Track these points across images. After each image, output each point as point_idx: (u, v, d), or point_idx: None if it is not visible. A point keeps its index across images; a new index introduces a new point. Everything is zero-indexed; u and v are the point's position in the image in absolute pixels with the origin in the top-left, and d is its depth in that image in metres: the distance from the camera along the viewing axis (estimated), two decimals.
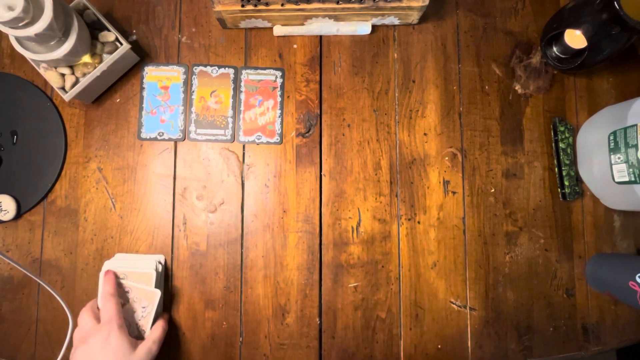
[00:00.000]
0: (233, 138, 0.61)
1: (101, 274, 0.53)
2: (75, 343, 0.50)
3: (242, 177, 0.61)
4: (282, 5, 0.56)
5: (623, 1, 0.47)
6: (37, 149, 0.59)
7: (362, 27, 0.61)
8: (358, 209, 0.60)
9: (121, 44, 0.56)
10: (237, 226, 0.60)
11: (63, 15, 0.49)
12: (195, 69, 0.62)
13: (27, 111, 0.59)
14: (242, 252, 0.59)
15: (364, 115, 0.62)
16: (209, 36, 0.62)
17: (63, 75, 0.55)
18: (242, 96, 0.61)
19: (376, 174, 0.61)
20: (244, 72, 0.62)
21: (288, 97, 0.62)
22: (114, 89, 0.61)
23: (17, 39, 0.49)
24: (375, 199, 0.61)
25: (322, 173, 0.61)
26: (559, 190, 0.62)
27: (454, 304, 0.60)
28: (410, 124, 0.62)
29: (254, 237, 0.59)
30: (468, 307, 0.60)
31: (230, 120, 0.61)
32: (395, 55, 0.63)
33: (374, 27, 0.62)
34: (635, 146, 0.51)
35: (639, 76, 0.65)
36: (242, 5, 0.56)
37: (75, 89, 0.54)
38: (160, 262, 0.57)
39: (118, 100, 0.61)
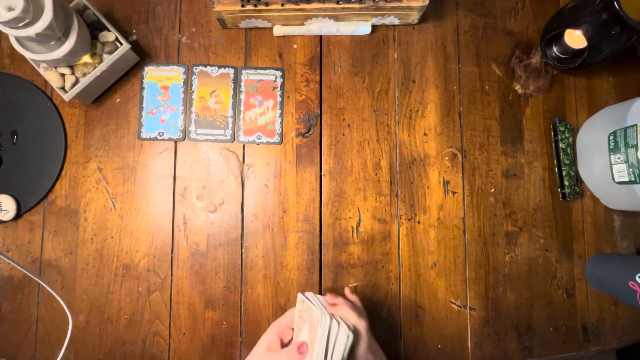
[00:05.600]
0: (233, 138, 0.61)
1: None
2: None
3: (242, 177, 0.61)
4: (282, 5, 0.56)
5: (623, 1, 0.47)
6: (37, 149, 0.59)
7: (362, 27, 0.61)
8: (358, 209, 0.60)
9: (121, 44, 0.56)
10: (237, 226, 0.60)
11: (63, 15, 0.49)
12: (195, 69, 0.62)
13: (27, 111, 0.59)
14: (242, 252, 0.59)
15: (364, 115, 0.62)
16: (209, 36, 0.62)
17: (63, 75, 0.55)
18: (242, 96, 0.61)
19: (376, 174, 0.61)
20: (244, 72, 0.62)
21: (288, 97, 0.62)
22: (114, 89, 0.61)
23: (17, 39, 0.49)
24: (375, 199, 0.61)
25: (322, 173, 0.61)
26: (559, 190, 0.62)
27: (454, 303, 0.60)
28: (410, 124, 0.62)
29: (254, 237, 0.59)
30: (468, 307, 0.60)
31: (230, 120, 0.61)
32: (395, 55, 0.63)
33: (374, 27, 0.62)
34: (635, 146, 0.51)
35: (639, 76, 0.65)
36: (242, 5, 0.56)
37: (75, 89, 0.54)
38: (349, 332, 0.44)
39: (118, 100, 0.61)
